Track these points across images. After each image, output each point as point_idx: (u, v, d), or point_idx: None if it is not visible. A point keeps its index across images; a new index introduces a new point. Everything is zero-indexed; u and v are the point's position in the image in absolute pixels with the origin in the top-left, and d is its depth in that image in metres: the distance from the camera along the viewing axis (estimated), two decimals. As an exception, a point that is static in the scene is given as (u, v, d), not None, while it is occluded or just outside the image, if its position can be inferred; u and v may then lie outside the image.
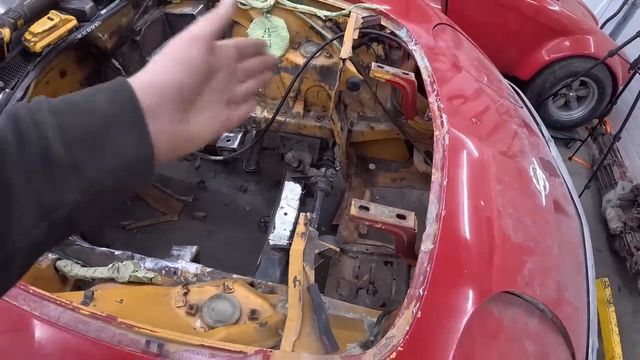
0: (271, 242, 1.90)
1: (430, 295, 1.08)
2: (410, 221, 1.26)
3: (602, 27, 5.19)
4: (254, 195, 3.18)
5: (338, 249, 1.42)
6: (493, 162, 1.59)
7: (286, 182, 2.20)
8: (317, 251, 1.35)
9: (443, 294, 1.14)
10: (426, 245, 1.20)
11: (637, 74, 3.49)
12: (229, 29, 2.43)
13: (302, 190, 2.20)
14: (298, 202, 2.10)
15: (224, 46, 0.63)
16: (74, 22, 1.76)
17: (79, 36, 1.79)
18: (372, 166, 2.68)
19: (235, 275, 1.41)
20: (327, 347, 1.04)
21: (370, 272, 2.03)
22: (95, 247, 1.58)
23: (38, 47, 1.63)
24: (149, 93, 0.52)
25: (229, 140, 2.42)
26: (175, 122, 0.55)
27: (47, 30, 1.66)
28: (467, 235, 1.31)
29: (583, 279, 1.71)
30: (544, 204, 1.65)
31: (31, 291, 1.06)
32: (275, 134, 2.55)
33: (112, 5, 1.97)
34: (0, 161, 0.44)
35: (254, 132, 2.56)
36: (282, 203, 2.08)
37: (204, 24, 0.60)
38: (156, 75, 0.55)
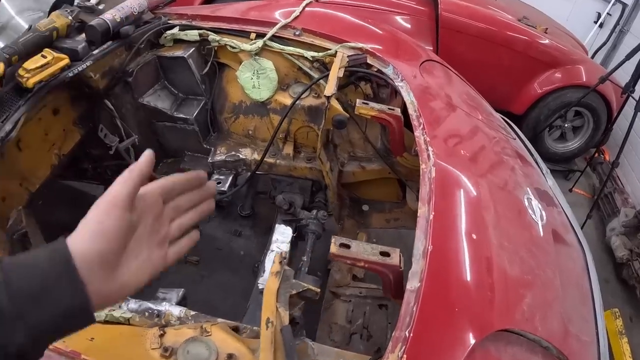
0: (260, 286, 1.83)
1: (417, 337, 1.01)
2: (395, 258, 1.19)
3: (592, 57, 5.26)
4: (248, 239, 3.13)
5: (318, 289, 1.34)
6: (484, 193, 1.53)
7: (277, 225, 2.14)
8: (293, 291, 1.27)
9: (432, 336, 1.06)
10: (412, 284, 1.13)
11: (631, 98, 3.46)
12: (218, 73, 2.44)
13: (293, 232, 2.14)
14: (289, 245, 2.04)
15: (148, 194, 0.68)
16: (66, 60, 1.78)
17: (70, 74, 1.80)
18: (365, 207, 2.63)
19: (220, 320, 1.34)
20: None
21: (364, 316, 1.96)
22: None
23: (30, 83, 1.66)
24: (77, 260, 0.58)
25: (219, 183, 2.37)
26: (103, 282, 0.60)
27: (39, 67, 1.69)
28: (458, 271, 1.23)
29: (590, 310, 1.62)
30: (541, 234, 1.58)
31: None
32: (268, 177, 2.51)
33: (104, 46, 1.97)
34: None
35: (248, 174, 2.52)
36: (273, 246, 2.02)
37: (122, 185, 0.64)
38: (79, 244, 0.59)
